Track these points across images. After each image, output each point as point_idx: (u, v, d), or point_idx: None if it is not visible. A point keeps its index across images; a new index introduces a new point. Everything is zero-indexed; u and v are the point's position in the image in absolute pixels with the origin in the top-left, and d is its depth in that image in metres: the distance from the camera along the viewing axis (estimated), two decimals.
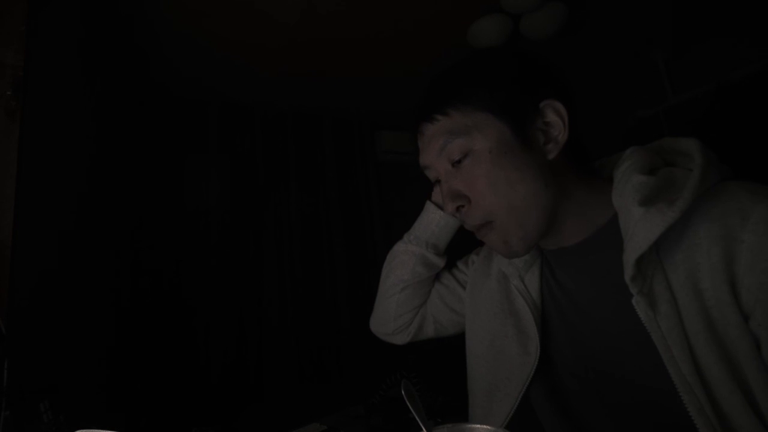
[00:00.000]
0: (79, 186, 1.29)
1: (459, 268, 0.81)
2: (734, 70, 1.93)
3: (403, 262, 0.78)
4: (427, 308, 0.82)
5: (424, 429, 0.42)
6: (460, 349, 0.88)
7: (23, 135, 0.81)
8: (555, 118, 0.54)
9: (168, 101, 2.13)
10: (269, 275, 2.21)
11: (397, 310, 0.81)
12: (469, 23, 1.75)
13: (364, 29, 1.77)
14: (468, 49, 1.88)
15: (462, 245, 0.81)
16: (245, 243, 2.20)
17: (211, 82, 2.06)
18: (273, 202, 2.31)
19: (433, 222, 0.76)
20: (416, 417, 0.43)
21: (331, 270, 2.39)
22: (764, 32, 1.86)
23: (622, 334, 0.51)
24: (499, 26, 1.72)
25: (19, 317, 0.77)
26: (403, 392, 0.46)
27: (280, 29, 1.71)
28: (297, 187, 2.39)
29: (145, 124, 2.06)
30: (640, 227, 0.47)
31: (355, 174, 2.59)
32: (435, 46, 1.92)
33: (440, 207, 0.75)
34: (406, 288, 0.79)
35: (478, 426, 0.41)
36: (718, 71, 1.98)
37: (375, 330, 0.89)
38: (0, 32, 0.83)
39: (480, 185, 0.53)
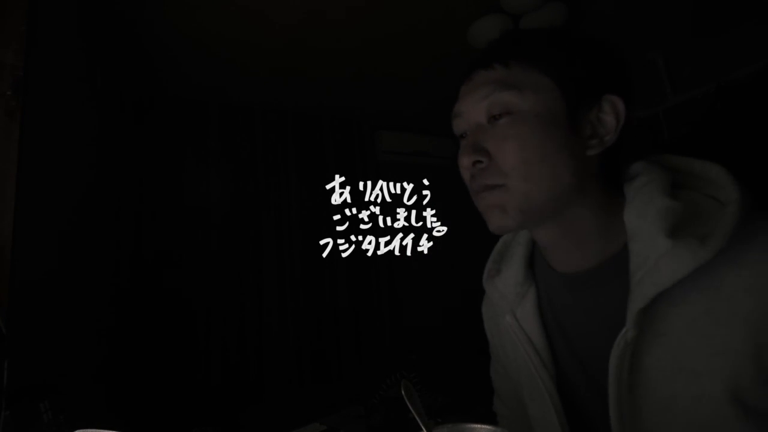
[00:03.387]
0: (80, 186, 1.29)
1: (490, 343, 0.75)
2: (734, 70, 1.93)
3: None
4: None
5: (424, 429, 0.42)
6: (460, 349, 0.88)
7: (23, 135, 0.81)
8: (610, 117, 0.50)
9: (168, 101, 2.13)
10: (269, 275, 2.21)
11: None
12: (469, 23, 1.75)
13: (364, 29, 1.76)
14: (468, 49, 1.89)
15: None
16: (245, 243, 2.20)
17: (211, 82, 2.06)
18: (273, 202, 2.31)
19: None
20: (416, 417, 0.43)
21: (331, 270, 2.39)
22: (764, 32, 1.86)
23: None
24: (499, 26, 1.72)
25: (19, 317, 0.77)
26: (403, 392, 0.45)
27: (281, 29, 1.71)
28: (297, 187, 2.39)
29: (145, 124, 2.06)
30: (665, 262, 0.44)
31: (355, 174, 2.59)
32: (435, 46, 1.92)
33: None
34: None
35: (478, 426, 0.41)
36: (718, 71, 1.98)
37: None
38: (0, 32, 0.83)
39: (510, 146, 0.49)
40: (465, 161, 0.52)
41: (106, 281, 1.73)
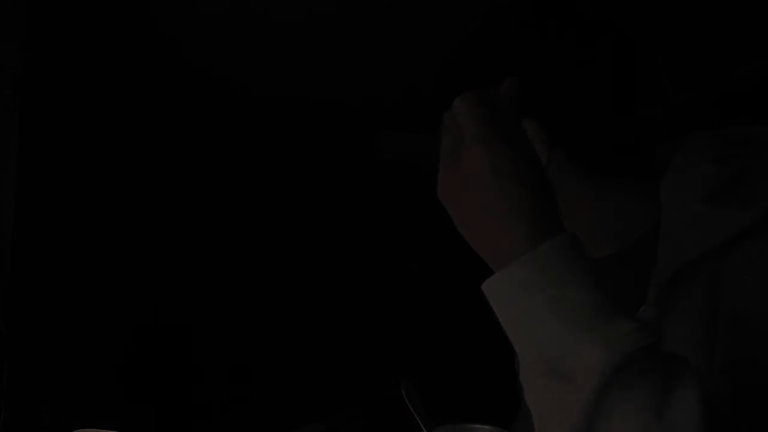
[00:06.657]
0: (79, 186, 1.29)
1: None
2: (734, 70, 1.93)
3: None
4: None
5: (424, 429, 0.42)
6: (460, 349, 0.87)
7: (23, 135, 0.81)
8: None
9: (168, 101, 2.12)
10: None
11: None
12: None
13: (364, 29, 1.76)
14: None
15: None
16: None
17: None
18: None
19: None
20: (416, 417, 0.43)
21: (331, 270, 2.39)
22: (764, 32, 1.86)
23: None
24: None
25: (19, 317, 0.77)
26: (403, 392, 0.46)
27: (280, 29, 1.71)
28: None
29: (144, 122, 2.05)
30: (693, 228, 0.38)
31: (355, 174, 2.58)
32: (435, 46, 1.91)
33: None
34: None
35: (478, 426, 0.41)
36: (718, 71, 1.97)
37: None
38: (0, 32, 0.83)
39: None
40: None
41: (106, 280, 1.73)
